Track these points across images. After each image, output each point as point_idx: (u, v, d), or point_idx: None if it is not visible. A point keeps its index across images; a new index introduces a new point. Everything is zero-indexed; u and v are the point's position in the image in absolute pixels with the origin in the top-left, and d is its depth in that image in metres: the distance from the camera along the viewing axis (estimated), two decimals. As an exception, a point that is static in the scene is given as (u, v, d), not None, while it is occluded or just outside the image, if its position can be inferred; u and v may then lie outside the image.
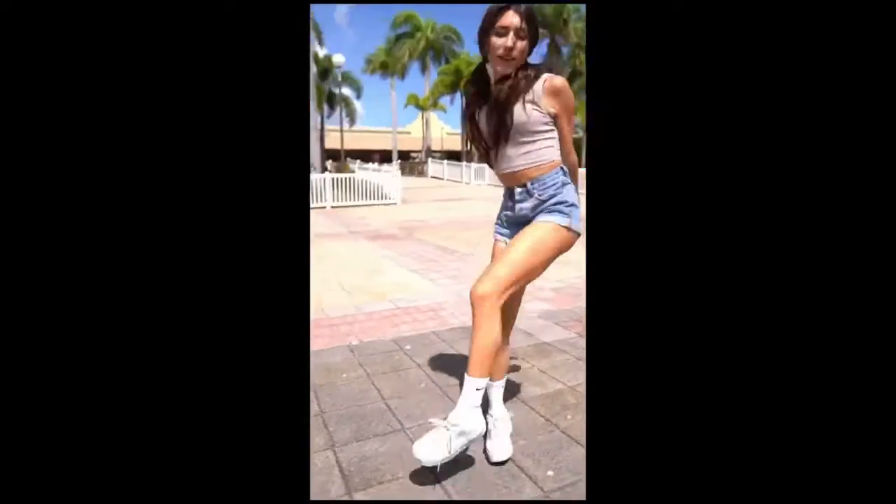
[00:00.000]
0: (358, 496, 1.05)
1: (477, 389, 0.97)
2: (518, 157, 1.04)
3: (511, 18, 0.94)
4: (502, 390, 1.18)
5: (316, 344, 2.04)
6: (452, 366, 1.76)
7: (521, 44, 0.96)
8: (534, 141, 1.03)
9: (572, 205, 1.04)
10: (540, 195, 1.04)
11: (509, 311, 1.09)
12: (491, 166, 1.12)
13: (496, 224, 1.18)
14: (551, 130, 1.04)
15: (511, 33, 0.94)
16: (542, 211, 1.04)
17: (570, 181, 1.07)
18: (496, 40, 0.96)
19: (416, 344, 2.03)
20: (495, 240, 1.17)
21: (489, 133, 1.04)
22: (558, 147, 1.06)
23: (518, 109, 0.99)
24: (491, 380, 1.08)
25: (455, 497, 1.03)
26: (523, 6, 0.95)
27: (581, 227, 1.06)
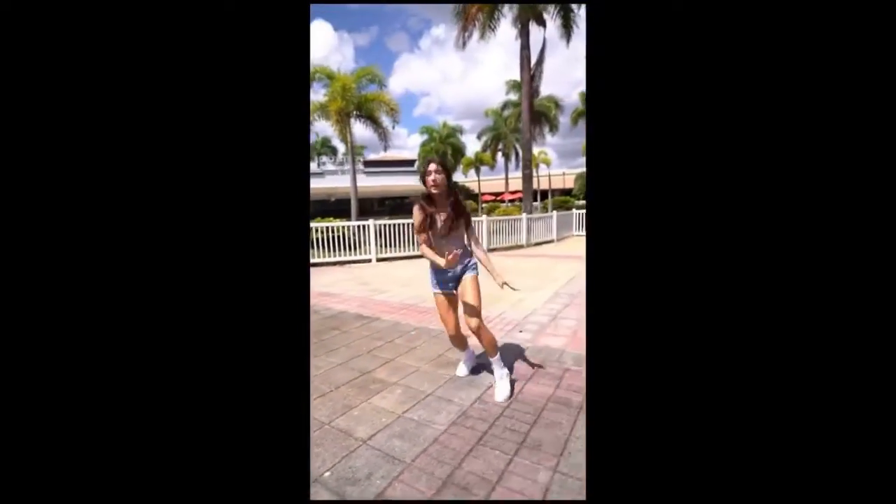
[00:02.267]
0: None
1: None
2: (457, 244, 1.75)
3: (431, 166, 1.68)
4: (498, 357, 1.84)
5: (321, 301, 3.55)
6: (401, 346, 2.49)
7: (440, 177, 1.67)
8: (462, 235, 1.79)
9: (475, 264, 1.80)
10: (463, 263, 1.77)
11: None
12: (433, 245, 1.75)
13: (436, 284, 1.80)
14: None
15: (433, 174, 1.67)
16: (465, 269, 1.78)
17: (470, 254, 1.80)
18: (427, 178, 1.68)
19: (421, 331, 2.75)
20: (438, 293, 1.81)
21: (445, 228, 1.71)
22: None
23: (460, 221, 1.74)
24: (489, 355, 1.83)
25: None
26: (437, 158, 1.73)
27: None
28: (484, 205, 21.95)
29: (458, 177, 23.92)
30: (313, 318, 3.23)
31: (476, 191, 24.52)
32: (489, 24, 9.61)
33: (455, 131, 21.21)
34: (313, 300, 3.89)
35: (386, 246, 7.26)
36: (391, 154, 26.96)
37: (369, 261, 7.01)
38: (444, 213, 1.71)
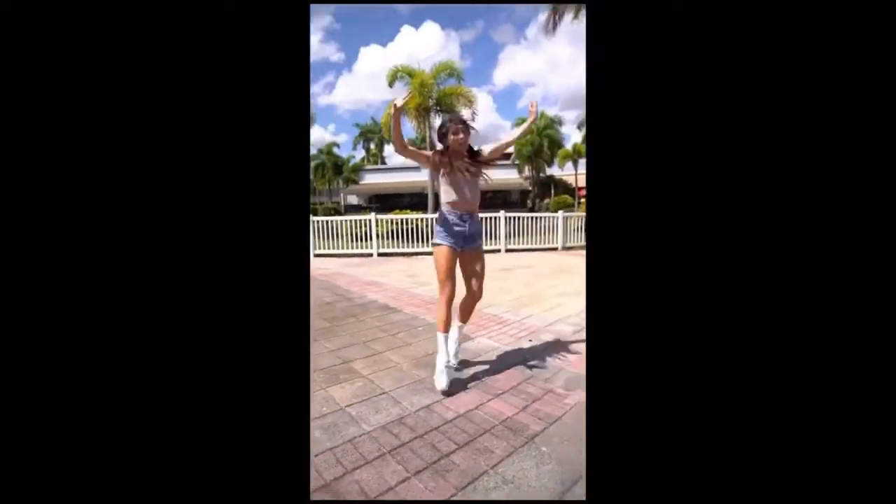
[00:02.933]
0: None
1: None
2: (476, 196, 1.84)
3: (457, 125, 1.79)
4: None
5: (362, 290, 3.77)
6: (398, 341, 2.38)
7: (464, 136, 1.78)
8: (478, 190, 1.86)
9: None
10: (478, 224, 1.88)
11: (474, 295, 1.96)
12: (458, 198, 1.80)
13: (444, 236, 1.80)
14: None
15: (462, 133, 1.77)
16: (477, 235, 1.87)
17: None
18: (452, 137, 1.77)
19: (430, 327, 2.50)
20: (447, 246, 1.79)
21: (469, 180, 1.81)
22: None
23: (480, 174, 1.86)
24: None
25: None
26: (462, 122, 1.81)
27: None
28: (582, 199, 20.34)
29: (553, 170, 22.57)
30: (344, 304, 3.45)
31: (573, 184, 22.85)
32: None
33: (553, 122, 20.05)
34: (356, 288, 4.15)
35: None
36: (488, 148, 26.73)
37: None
38: (462, 165, 1.80)
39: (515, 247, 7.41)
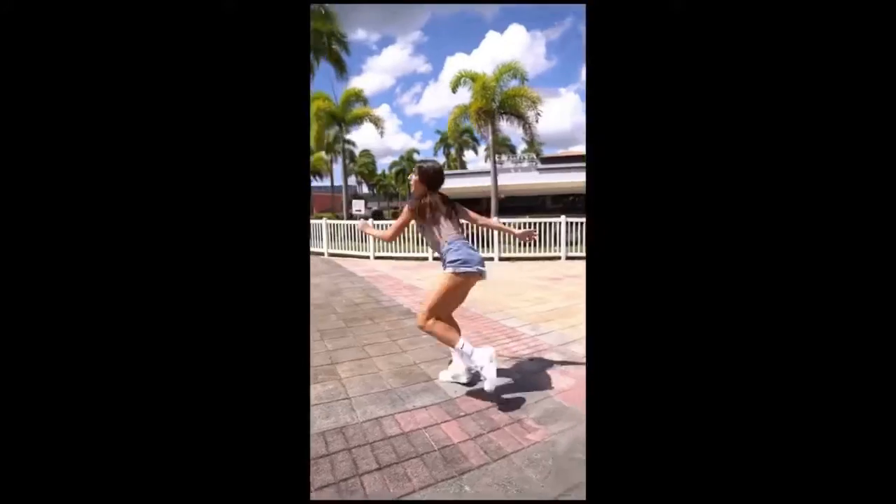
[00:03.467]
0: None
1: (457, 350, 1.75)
2: (433, 240, 1.86)
3: (411, 176, 1.92)
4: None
5: (396, 293, 3.83)
6: (394, 346, 2.21)
7: (412, 179, 1.90)
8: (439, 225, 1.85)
9: (454, 260, 1.73)
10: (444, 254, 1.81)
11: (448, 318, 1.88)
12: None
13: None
14: (437, 224, 1.81)
15: (412, 181, 1.90)
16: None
17: (457, 246, 1.76)
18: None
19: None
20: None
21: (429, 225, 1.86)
22: (449, 230, 1.82)
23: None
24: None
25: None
26: (416, 167, 1.91)
27: (463, 269, 1.70)
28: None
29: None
30: (370, 307, 3.56)
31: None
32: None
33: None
34: (391, 292, 4.26)
35: (519, 246, 7.05)
36: (572, 150, 25.45)
37: (491, 259, 6.97)
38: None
39: (577, 254, 6.84)
